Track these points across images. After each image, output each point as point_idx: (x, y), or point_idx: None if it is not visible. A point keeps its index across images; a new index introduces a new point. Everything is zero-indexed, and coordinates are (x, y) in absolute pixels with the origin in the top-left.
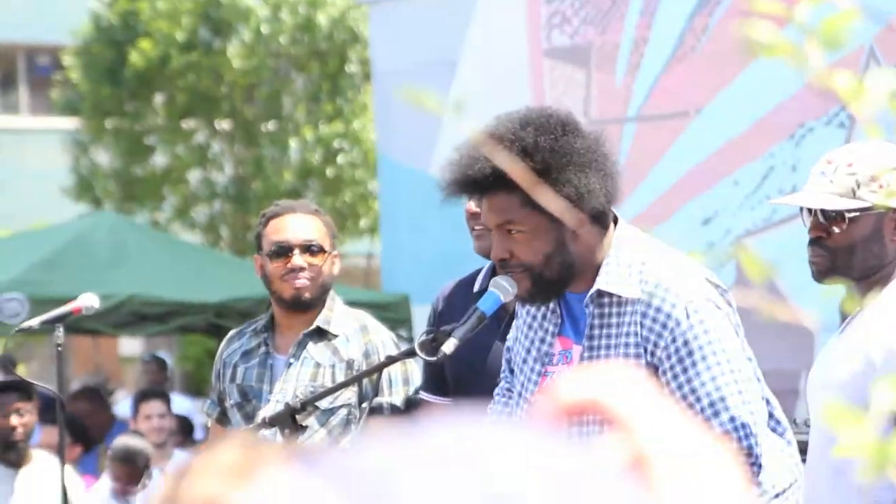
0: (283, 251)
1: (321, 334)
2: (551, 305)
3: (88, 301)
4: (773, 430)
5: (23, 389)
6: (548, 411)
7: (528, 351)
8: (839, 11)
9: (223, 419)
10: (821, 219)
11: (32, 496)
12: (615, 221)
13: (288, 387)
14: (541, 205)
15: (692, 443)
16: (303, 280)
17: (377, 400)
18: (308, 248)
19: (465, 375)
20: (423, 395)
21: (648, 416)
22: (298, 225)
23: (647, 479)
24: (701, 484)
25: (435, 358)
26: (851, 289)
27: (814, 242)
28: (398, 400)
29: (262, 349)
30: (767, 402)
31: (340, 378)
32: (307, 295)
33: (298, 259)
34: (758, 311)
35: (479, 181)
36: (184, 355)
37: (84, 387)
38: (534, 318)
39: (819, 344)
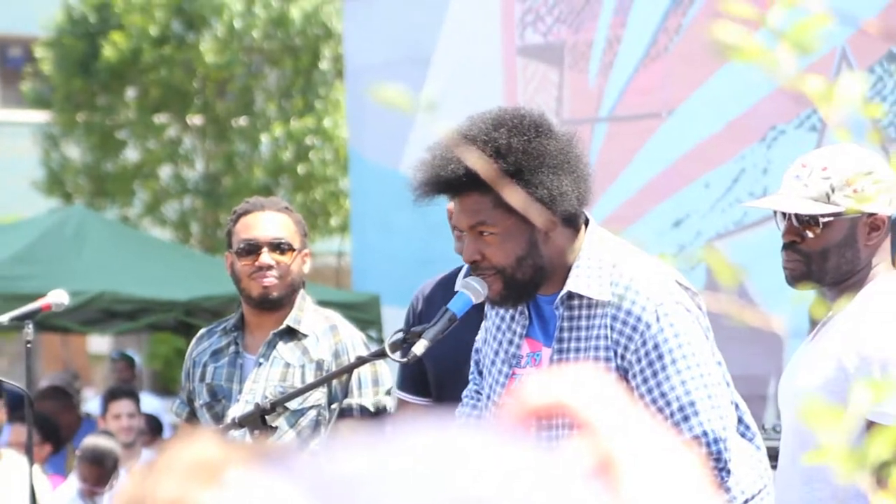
0: (252, 249)
1: (291, 334)
2: (519, 307)
3: (58, 298)
4: (743, 435)
5: None
6: (516, 414)
7: (497, 353)
8: (810, 15)
9: (192, 419)
10: (795, 223)
11: (0, 494)
12: (586, 223)
13: (257, 387)
14: (513, 207)
15: (658, 446)
16: (270, 278)
17: (346, 401)
18: (277, 247)
19: (447, 375)
20: (402, 395)
21: (615, 418)
22: (268, 223)
23: (613, 481)
24: (666, 487)
25: (405, 359)
26: (823, 294)
27: (787, 247)
28: (368, 401)
29: (232, 348)
30: (737, 406)
31: (310, 378)
32: (275, 293)
33: (266, 257)
34: (728, 315)
35: (452, 182)
36: (152, 354)
37: (52, 385)
38: (502, 319)
39: (788, 349)
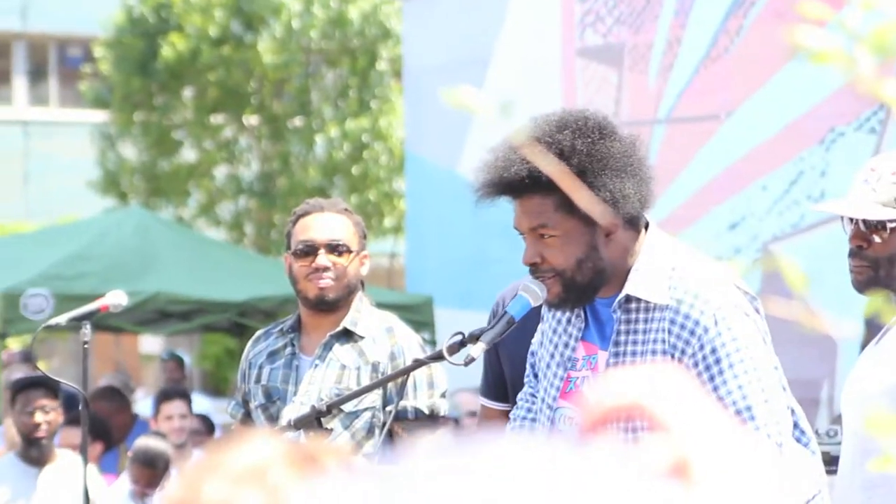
0: (309, 250)
1: (348, 335)
2: (576, 310)
3: (116, 299)
4: (798, 440)
5: (48, 387)
6: (593, 416)
7: (552, 356)
8: (891, 19)
9: (247, 420)
10: (862, 228)
11: (55, 495)
12: (646, 226)
13: (313, 388)
14: (574, 209)
15: (733, 446)
16: (327, 280)
17: (401, 404)
18: (334, 248)
19: (523, 379)
20: (484, 401)
21: (690, 419)
22: (325, 224)
23: (689, 482)
24: (741, 488)
25: (462, 363)
26: (891, 300)
27: (854, 252)
28: (422, 404)
29: (289, 350)
30: (792, 411)
31: (366, 380)
32: (331, 295)
33: (323, 259)
34: (789, 320)
35: (515, 184)
36: (203, 354)
37: (107, 385)
38: (559, 322)
39: (842, 353)
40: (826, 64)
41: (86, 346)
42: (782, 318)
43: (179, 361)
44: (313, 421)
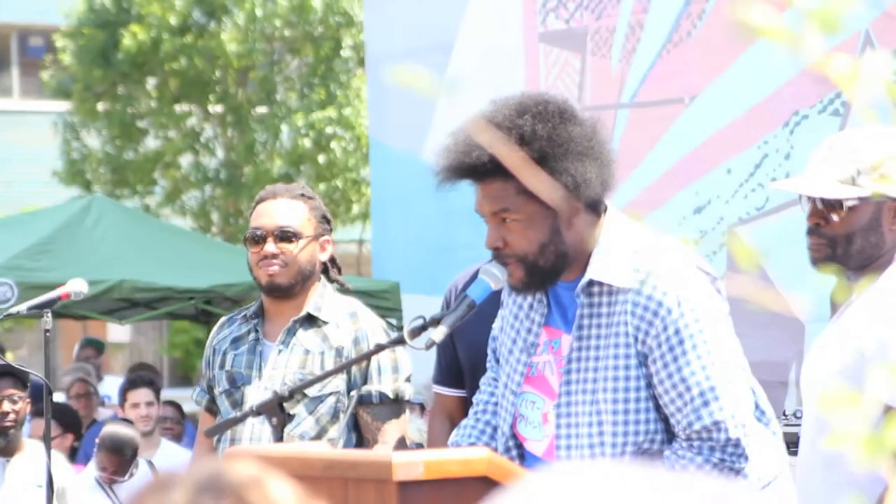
0: (258, 238)
1: (311, 321)
2: (538, 295)
3: (77, 286)
4: (758, 419)
5: (16, 376)
6: None
7: (514, 341)
8: None
9: (212, 407)
10: (819, 206)
11: (23, 485)
12: (605, 210)
13: (276, 374)
14: (536, 193)
15: None
16: (275, 266)
17: (366, 388)
18: (283, 235)
19: (480, 366)
20: (437, 388)
21: None
22: (275, 211)
23: None
24: None
25: (424, 347)
26: (846, 277)
27: (812, 230)
28: (387, 388)
29: (252, 335)
30: (753, 391)
31: (330, 365)
32: (280, 281)
33: (271, 246)
34: (748, 299)
35: (476, 168)
36: (172, 343)
37: (78, 378)
38: (520, 307)
39: (810, 334)
40: (774, 41)
41: (47, 333)
42: (750, 300)
43: (98, 347)
44: (276, 406)
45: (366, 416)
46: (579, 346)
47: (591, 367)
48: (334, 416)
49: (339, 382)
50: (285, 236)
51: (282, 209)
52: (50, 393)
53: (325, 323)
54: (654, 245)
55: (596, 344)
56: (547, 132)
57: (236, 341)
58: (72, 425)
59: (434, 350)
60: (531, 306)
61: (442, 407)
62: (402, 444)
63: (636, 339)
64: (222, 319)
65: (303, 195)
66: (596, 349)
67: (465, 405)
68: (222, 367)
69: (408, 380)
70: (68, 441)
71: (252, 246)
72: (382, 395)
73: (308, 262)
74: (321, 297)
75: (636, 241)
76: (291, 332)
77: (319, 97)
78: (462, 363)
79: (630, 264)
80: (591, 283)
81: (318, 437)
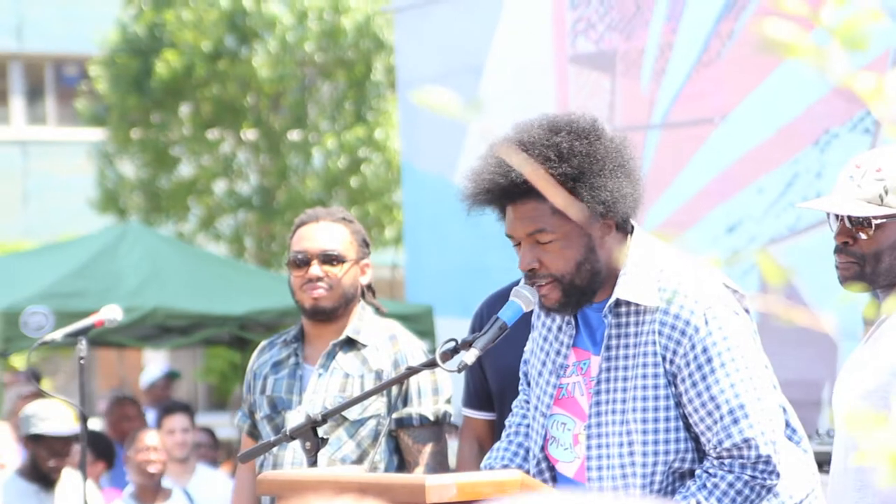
0: (302, 261)
1: (351, 344)
2: (566, 316)
3: (111, 313)
4: (789, 438)
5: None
6: None
7: (544, 364)
8: (861, 11)
9: (254, 431)
10: (847, 224)
11: None
12: (631, 230)
13: (317, 398)
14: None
15: None
16: (320, 290)
17: (406, 410)
18: (327, 259)
19: (510, 389)
20: (466, 411)
21: None
22: (319, 234)
23: None
24: None
25: (456, 369)
26: (874, 295)
27: (840, 248)
28: (427, 410)
29: (293, 360)
30: (784, 410)
31: (369, 388)
32: (326, 305)
33: (316, 269)
34: (776, 316)
35: (511, 189)
36: (207, 369)
37: (121, 396)
38: (549, 329)
39: (842, 353)
40: (801, 58)
41: (82, 361)
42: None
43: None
44: (309, 431)
45: (406, 439)
46: (608, 366)
47: (621, 387)
48: (375, 440)
49: (379, 405)
50: (329, 259)
51: (324, 233)
52: (85, 420)
53: (365, 346)
54: (680, 263)
55: (624, 364)
56: (584, 148)
57: (277, 365)
58: (104, 453)
59: (463, 373)
60: (560, 328)
61: (470, 430)
62: (443, 465)
63: (664, 358)
64: (263, 343)
65: (344, 219)
66: (625, 369)
67: (493, 428)
68: (263, 391)
69: (448, 401)
70: (99, 469)
71: (295, 270)
72: (423, 418)
73: (351, 286)
74: (360, 321)
75: (661, 260)
76: (331, 356)
77: (350, 120)
78: (490, 386)
79: (656, 283)
80: (618, 302)
81: (360, 460)
